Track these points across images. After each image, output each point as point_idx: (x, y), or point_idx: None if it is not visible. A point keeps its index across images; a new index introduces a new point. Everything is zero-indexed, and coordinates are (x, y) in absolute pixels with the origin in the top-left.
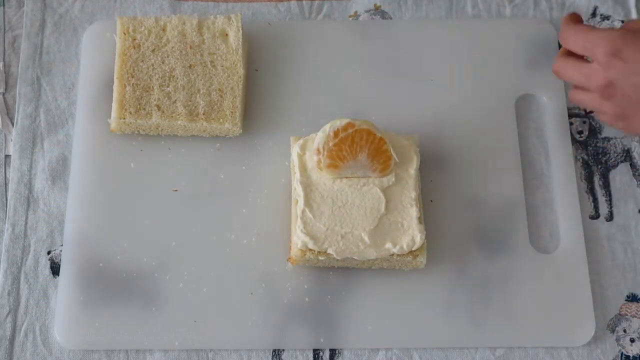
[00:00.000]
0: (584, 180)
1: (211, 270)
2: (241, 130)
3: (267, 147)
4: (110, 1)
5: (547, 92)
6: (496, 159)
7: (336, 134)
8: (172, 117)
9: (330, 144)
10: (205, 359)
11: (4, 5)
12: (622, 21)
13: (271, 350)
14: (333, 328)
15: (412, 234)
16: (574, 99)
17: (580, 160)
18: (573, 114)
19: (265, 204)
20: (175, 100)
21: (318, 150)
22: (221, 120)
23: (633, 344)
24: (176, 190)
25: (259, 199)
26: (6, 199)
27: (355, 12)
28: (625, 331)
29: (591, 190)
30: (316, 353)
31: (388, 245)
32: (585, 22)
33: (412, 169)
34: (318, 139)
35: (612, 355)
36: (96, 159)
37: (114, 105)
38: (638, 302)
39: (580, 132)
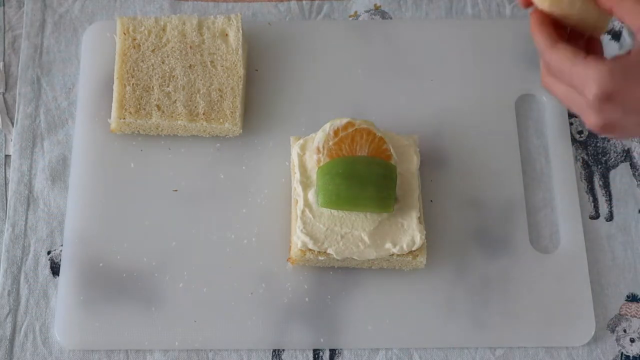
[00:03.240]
0: (584, 180)
1: (211, 270)
2: (241, 130)
3: (267, 147)
4: (110, 1)
5: (547, 92)
6: (496, 159)
7: (336, 133)
8: (172, 117)
9: (330, 143)
10: (205, 359)
11: (4, 5)
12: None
13: (271, 350)
14: (333, 328)
15: (412, 234)
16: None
17: (580, 160)
18: (573, 114)
19: (265, 204)
20: (175, 100)
21: (318, 149)
22: (221, 120)
23: (633, 344)
24: (176, 190)
25: (259, 199)
26: (6, 199)
27: (355, 12)
28: (625, 331)
29: (591, 190)
30: (316, 353)
31: (388, 245)
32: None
33: (412, 168)
34: (318, 137)
35: (612, 355)
36: (96, 159)
37: (114, 105)
38: (638, 302)
39: (580, 132)
